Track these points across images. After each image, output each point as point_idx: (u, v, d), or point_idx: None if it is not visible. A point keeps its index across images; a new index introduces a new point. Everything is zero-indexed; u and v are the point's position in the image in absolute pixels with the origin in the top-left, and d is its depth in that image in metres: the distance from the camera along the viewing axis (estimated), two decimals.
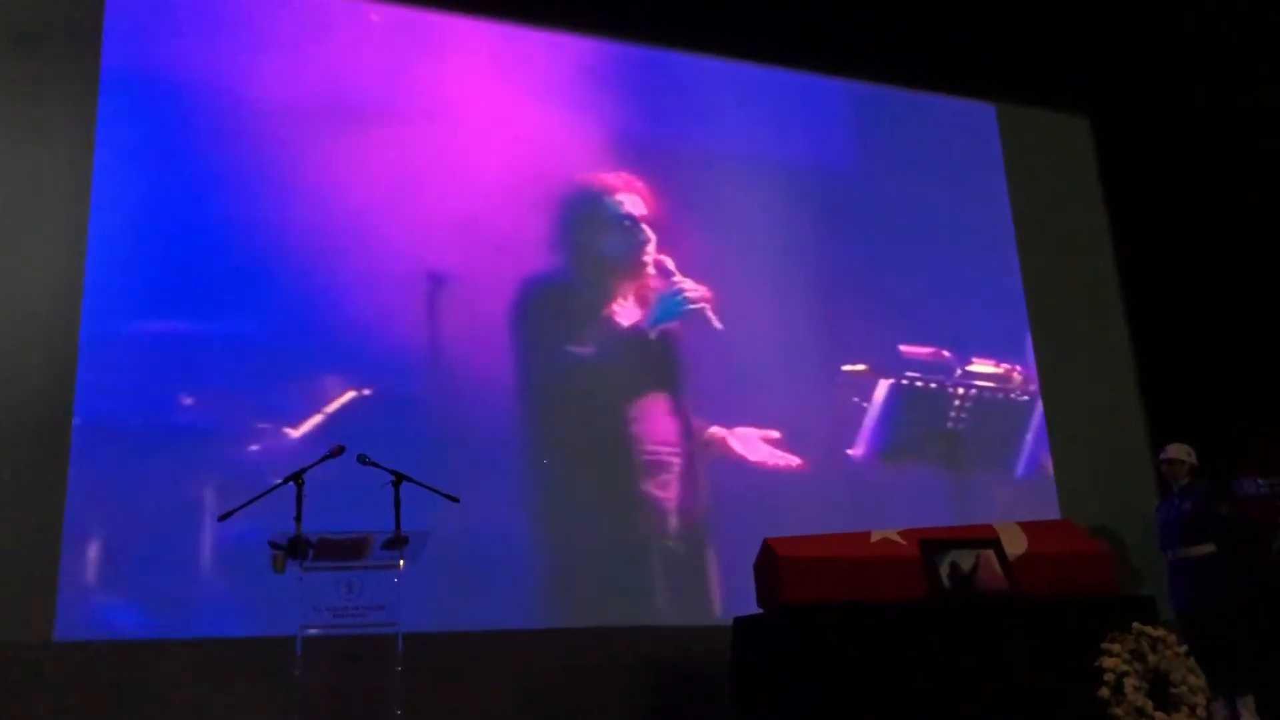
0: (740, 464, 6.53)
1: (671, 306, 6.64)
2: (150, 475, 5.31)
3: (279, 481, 4.29)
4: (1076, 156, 8.30)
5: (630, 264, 6.67)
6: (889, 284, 7.26)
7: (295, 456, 4.87)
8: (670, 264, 6.71)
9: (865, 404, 7.02)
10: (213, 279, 5.69)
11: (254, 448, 5.51)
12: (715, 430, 6.54)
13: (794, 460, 6.62)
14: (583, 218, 6.65)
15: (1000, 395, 7.44)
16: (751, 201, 7.06)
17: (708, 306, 6.67)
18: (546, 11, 6.80)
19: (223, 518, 4.27)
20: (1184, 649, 4.66)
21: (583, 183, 6.69)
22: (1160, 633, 4.61)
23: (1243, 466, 6.73)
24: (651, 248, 6.70)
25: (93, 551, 5.13)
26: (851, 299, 7.14)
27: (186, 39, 5.95)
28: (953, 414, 7.27)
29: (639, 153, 6.88)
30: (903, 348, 7.20)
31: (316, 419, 5.65)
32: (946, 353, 7.33)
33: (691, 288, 6.70)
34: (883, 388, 7.08)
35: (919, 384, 7.19)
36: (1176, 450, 6.19)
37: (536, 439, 6.16)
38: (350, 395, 5.75)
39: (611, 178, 6.74)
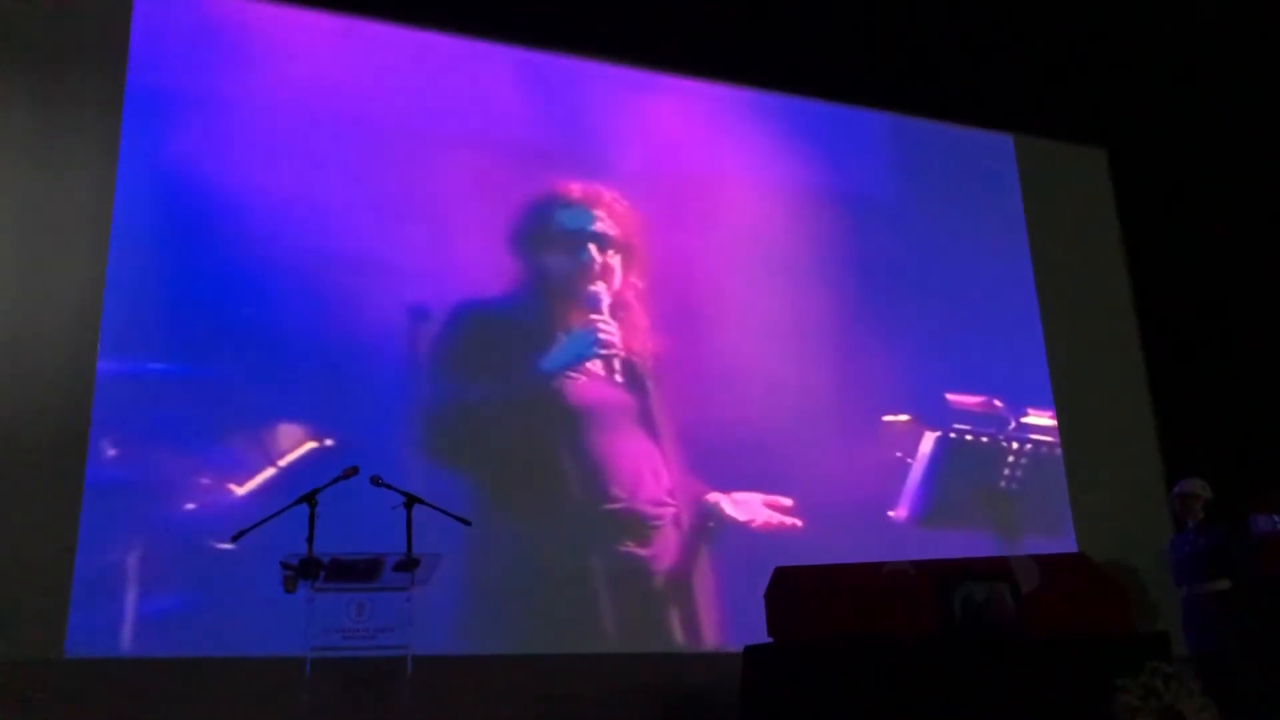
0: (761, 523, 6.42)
1: (582, 347, 6.38)
2: (162, 493, 5.33)
3: (291, 501, 4.30)
4: (1094, 188, 8.30)
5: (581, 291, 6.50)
6: (900, 321, 7.17)
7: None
8: (604, 298, 6.46)
9: (899, 456, 6.87)
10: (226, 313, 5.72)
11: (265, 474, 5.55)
12: (720, 494, 6.40)
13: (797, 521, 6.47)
14: (552, 237, 6.54)
15: (1059, 451, 7.37)
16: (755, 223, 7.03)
17: (616, 356, 6.41)
18: (567, 38, 6.85)
19: (235, 538, 4.27)
20: (1198, 687, 4.61)
21: (562, 199, 6.61)
22: (1174, 670, 4.57)
23: (1258, 502, 6.68)
24: (600, 270, 6.50)
25: (105, 570, 5.14)
26: (863, 339, 7.04)
27: (212, 63, 6.00)
28: (1006, 472, 7.16)
29: (622, 170, 6.81)
30: (950, 396, 7.07)
31: (269, 473, 5.55)
32: (998, 402, 7.22)
33: (606, 329, 6.42)
34: (929, 441, 6.91)
35: (969, 437, 7.06)
36: (1191, 485, 6.15)
37: (538, 463, 6.14)
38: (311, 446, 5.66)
39: (586, 190, 6.68)
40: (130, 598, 5.18)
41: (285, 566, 4.15)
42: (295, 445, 5.60)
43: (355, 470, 4.42)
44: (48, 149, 5.60)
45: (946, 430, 7.03)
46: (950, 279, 7.41)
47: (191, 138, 5.84)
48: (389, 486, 4.42)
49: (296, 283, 5.84)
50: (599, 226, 6.61)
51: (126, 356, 5.43)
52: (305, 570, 4.14)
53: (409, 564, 4.25)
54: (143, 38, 5.87)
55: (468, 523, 4.52)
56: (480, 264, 6.31)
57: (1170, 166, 8.11)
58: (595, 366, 6.35)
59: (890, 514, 6.74)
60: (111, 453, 5.29)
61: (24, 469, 5.13)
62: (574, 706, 5.57)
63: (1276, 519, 6.41)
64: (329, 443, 5.63)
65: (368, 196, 6.12)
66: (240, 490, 5.43)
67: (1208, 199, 7.97)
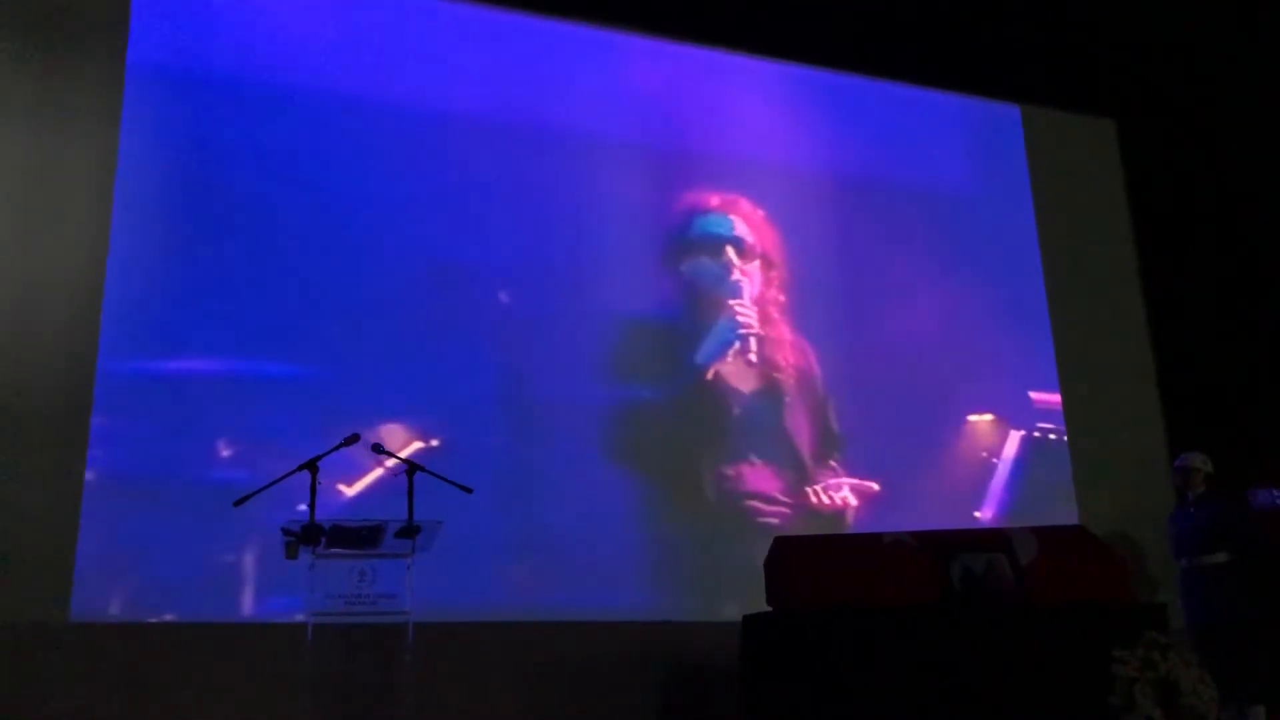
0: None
1: (727, 333, 6.58)
2: (167, 458, 5.34)
3: (294, 468, 4.32)
4: (1101, 159, 8.25)
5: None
6: (924, 298, 7.20)
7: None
8: (746, 287, 6.65)
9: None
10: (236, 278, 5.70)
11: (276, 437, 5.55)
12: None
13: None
14: (686, 243, 6.67)
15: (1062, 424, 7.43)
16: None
17: (753, 336, 6.60)
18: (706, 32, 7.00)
19: (238, 503, 4.29)
20: (1195, 658, 4.63)
21: (685, 206, 6.73)
22: (1171, 641, 4.59)
23: (1259, 476, 6.69)
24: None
25: (109, 534, 5.16)
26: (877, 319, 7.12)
27: (213, 32, 5.95)
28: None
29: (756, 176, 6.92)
30: (1033, 394, 7.28)
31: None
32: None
33: (744, 311, 6.62)
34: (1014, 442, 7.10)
35: (1051, 436, 7.26)
36: (1192, 459, 6.15)
37: (564, 432, 6.18)
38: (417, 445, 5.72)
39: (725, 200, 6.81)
40: (134, 562, 5.20)
41: (287, 533, 4.17)
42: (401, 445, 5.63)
43: (356, 438, 4.44)
44: (50, 120, 5.56)
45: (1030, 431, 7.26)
46: (957, 253, 7.43)
47: (198, 111, 5.81)
48: (389, 454, 4.44)
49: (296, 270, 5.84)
50: (738, 231, 6.77)
51: (130, 324, 5.43)
52: (307, 537, 4.16)
53: (410, 531, 4.27)
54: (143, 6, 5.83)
55: (469, 490, 4.53)
56: (629, 274, 6.43)
57: (1179, 138, 8.06)
58: (739, 351, 6.55)
59: (976, 514, 6.90)
60: (116, 418, 5.30)
61: (29, 433, 5.14)
62: (574, 673, 5.61)
63: (1276, 493, 6.42)
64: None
65: (381, 180, 6.11)
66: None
67: (1216, 170, 7.92)
